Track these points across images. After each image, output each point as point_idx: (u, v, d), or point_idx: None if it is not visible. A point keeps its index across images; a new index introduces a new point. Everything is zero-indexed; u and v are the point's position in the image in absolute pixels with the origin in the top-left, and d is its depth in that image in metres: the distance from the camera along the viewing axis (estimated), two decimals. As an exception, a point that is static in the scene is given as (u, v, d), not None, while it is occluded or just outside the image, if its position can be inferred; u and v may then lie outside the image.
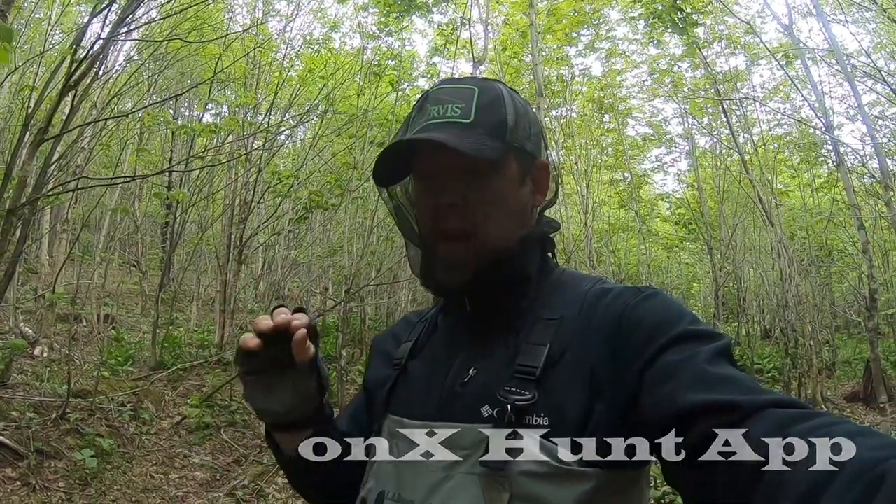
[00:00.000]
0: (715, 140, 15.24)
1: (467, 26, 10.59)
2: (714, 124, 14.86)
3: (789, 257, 10.31)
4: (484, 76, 13.89)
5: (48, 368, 7.13)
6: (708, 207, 15.49)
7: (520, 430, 0.83)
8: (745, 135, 13.12)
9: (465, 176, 0.96)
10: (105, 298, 12.78)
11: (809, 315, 10.65)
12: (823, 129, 8.58)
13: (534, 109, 1.07)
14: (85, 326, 11.14)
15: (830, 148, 9.93)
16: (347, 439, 1.07)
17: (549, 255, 1.08)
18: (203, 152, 10.91)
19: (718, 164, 15.14)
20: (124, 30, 5.88)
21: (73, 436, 5.68)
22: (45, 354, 8.25)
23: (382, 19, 11.43)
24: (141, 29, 7.60)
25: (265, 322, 0.93)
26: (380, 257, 12.11)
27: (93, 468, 5.24)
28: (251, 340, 0.92)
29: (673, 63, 13.19)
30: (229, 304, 10.54)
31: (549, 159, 1.07)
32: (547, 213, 1.10)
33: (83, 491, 5.05)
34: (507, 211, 0.98)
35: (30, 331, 8.96)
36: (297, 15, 13.15)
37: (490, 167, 0.96)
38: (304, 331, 0.92)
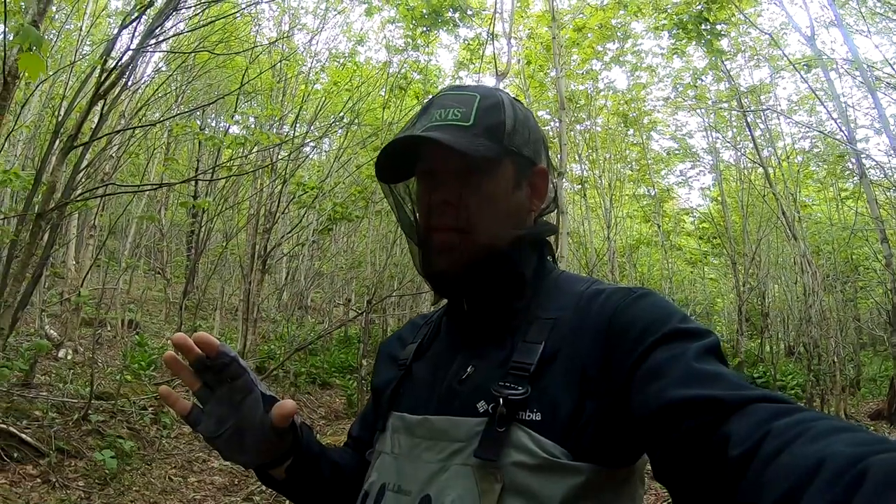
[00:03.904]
0: (740, 154, 15.14)
1: (492, 42, 10.64)
2: (738, 138, 14.77)
3: (813, 272, 10.17)
4: (507, 89, 13.93)
5: (72, 371, 7.20)
6: (732, 222, 15.36)
7: (512, 424, 0.85)
8: (770, 148, 13.01)
9: (461, 174, 0.99)
10: (129, 304, 12.93)
11: (833, 331, 10.49)
12: (846, 141, 8.48)
13: (535, 118, 1.10)
14: (109, 331, 11.25)
15: (855, 161, 9.82)
16: (336, 458, 1.13)
17: (548, 258, 1.10)
18: (229, 162, 11.05)
19: (742, 178, 15.02)
20: (153, 41, 5.94)
21: (94, 436, 5.76)
22: (69, 357, 8.33)
23: (409, 33, 11.53)
24: (169, 41, 7.72)
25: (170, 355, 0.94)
26: (402, 269, 12.16)
27: (112, 469, 5.28)
28: (192, 383, 0.95)
29: (697, 76, 13.13)
30: (252, 312, 10.63)
31: (549, 167, 1.09)
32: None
33: (102, 490, 5.10)
34: (501, 211, 1.01)
35: (55, 333, 9.06)
36: (323, 29, 13.30)
37: (485, 167, 0.99)
38: (202, 333, 0.93)
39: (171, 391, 0.96)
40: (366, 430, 1.17)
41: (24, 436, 5.07)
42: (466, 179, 0.99)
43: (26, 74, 6.36)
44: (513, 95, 1.09)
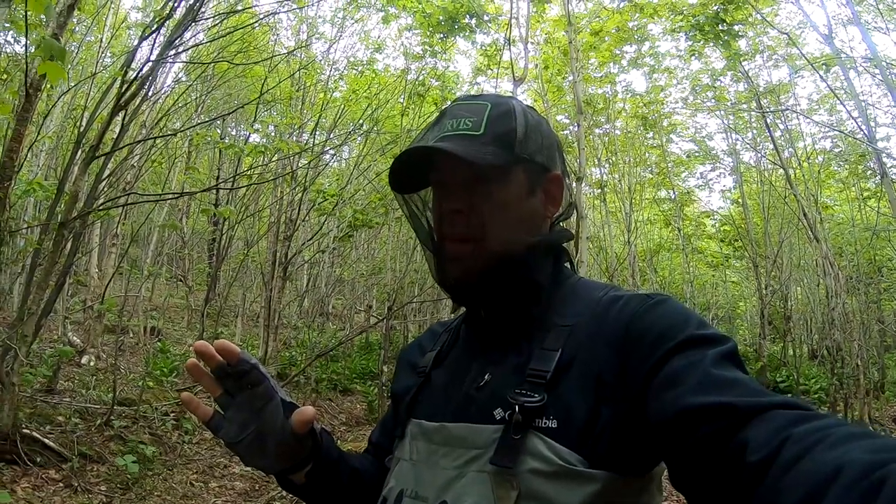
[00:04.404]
0: (760, 155, 15.01)
1: (509, 47, 10.66)
2: (758, 139, 14.65)
3: (835, 274, 10.06)
4: (525, 94, 13.90)
5: (94, 377, 7.28)
6: (753, 224, 15.22)
7: (528, 431, 0.86)
8: (790, 149, 12.91)
9: (471, 183, 1.00)
10: (152, 311, 13.05)
11: (857, 334, 10.35)
12: (867, 140, 8.37)
13: (549, 124, 1.10)
14: (131, 338, 11.37)
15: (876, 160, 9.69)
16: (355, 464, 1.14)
17: (565, 264, 1.11)
18: (249, 170, 11.13)
19: (763, 179, 14.89)
20: (172, 52, 6.01)
21: (116, 442, 5.83)
22: (91, 363, 8.42)
23: (426, 40, 11.57)
24: (188, 51, 7.79)
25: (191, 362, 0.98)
26: (423, 275, 12.17)
27: (134, 474, 5.34)
28: (213, 389, 0.98)
29: (715, 77, 13.05)
30: (274, 319, 10.67)
31: (565, 173, 1.09)
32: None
33: (124, 495, 5.16)
34: (513, 218, 1.01)
35: (78, 340, 9.17)
36: (340, 37, 13.37)
37: (494, 175, 0.99)
38: (223, 340, 0.96)
39: (193, 397, 0.98)
40: (385, 437, 1.19)
41: (47, 441, 5.15)
42: (476, 188, 1.00)
43: (48, 85, 6.48)
44: (526, 103, 1.10)
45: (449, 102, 1.11)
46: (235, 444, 0.97)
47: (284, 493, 6.18)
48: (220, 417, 0.98)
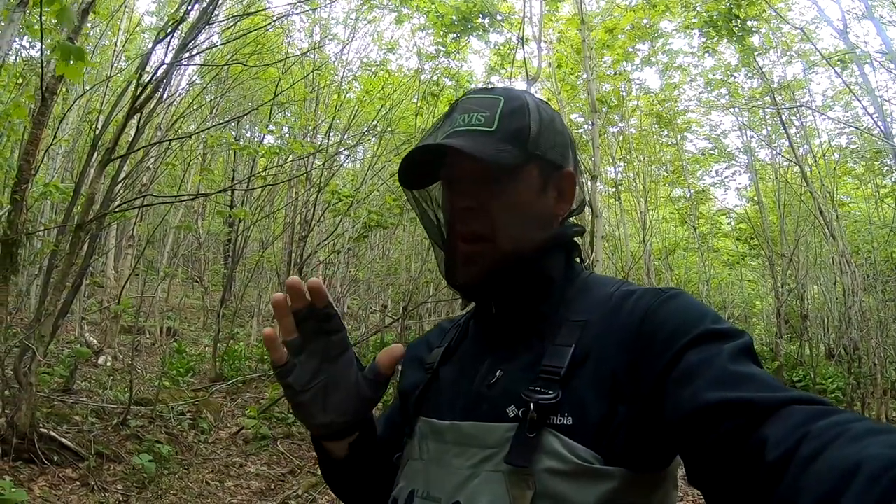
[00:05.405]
0: (775, 152, 14.89)
1: (522, 46, 10.65)
2: (773, 136, 14.53)
3: (852, 272, 9.97)
4: (538, 93, 13.89)
5: (111, 377, 7.33)
6: (769, 222, 15.09)
7: (543, 429, 0.84)
8: (805, 146, 12.81)
9: (484, 180, 0.98)
10: (168, 312, 13.17)
11: (874, 332, 10.26)
12: (883, 136, 8.29)
13: (562, 119, 1.08)
14: (148, 338, 11.48)
15: (893, 156, 9.61)
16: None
17: (576, 259, 1.09)
18: (264, 171, 11.18)
19: (778, 177, 14.76)
20: (186, 55, 6.05)
21: (133, 441, 5.86)
22: (108, 364, 8.51)
23: (439, 40, 11.58)
24: (203, 54, 7.84)
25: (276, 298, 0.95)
26: (438, 275, 12.16)
27: (150, 472, 5.37)
28: (287, 333, 0.96)
29: (729, 74, 12.97)
30: (289, 320, 10.69)
31: (577, 169, 1.08)
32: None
33: (140, 494, 5.18)
34: (525, 216, 0.99)
35: (94, 341, 9.28)
36: (353, 38, 13.44)
37: (507, 172, 0.97)
38: (316, 279, 0.95)
39: (276, 336, 0.96)
40: (390, 430, 1.16)
41: (64, 440, 5.19)
42: (490, 186, 0.98)
43: (63, 89, 6.55)
44: (539, 97, 1.07)
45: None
46: (302, 391, 0.96)
47: (299, 492, 6.23)
48: (292, 363, 0.97)
